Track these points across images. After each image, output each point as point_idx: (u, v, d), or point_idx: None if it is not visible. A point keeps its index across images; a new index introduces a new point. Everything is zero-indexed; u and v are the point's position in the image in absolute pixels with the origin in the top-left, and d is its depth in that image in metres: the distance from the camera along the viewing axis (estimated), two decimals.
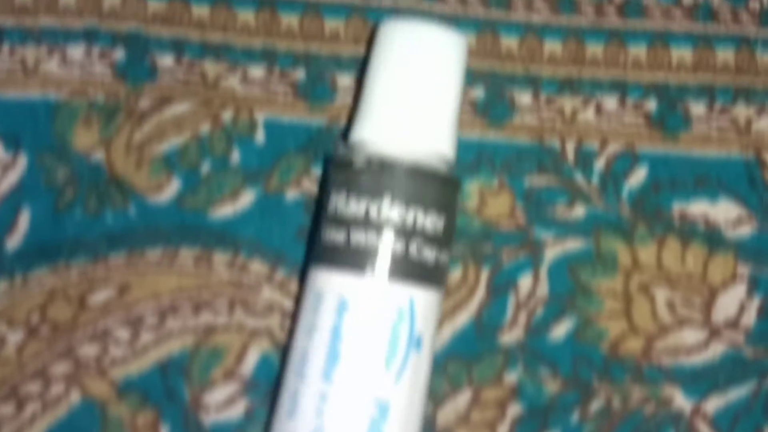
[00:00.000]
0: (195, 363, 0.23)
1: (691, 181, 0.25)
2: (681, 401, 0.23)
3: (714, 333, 0.24)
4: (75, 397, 0.22)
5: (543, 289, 0.24)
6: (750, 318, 0.24)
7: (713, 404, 0.24)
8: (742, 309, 0.24)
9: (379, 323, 0.19)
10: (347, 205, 0.20)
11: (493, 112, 0.25)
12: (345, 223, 0.20)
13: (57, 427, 0.22)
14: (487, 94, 0.25)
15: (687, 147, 0.25)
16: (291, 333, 0.22)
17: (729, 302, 0.24)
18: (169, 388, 0.22)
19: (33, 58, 0.23)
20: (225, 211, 0.23)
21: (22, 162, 0.23)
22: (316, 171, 0.24)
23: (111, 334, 0.22)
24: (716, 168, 0.25)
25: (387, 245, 0.19)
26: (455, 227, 0.21)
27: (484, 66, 0.25)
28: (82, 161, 0.23)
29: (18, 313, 0.22)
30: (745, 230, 0.24)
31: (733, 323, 0.24)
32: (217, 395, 0.22)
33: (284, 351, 0.23)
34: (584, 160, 0.24)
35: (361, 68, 0.23)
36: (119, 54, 0.24)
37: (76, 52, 0.24)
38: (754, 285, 0.24)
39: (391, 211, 0.19)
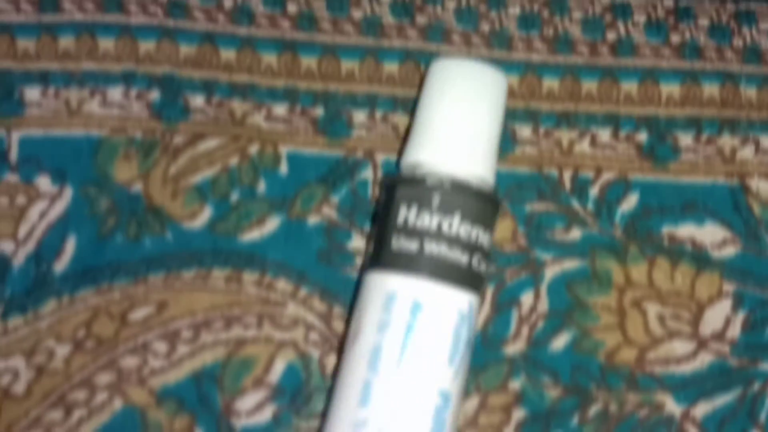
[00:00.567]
0: (227, 372, 0.28)
1: (679, 206, 0.30)
2: (672, 406, 0.29)
3: (702, 344, 0.30)
4: (117, 404, 0.28)
5: (543, 305, 0.30)
6: (735, 331, 0.30)
7: (701, 409, 0.29)
8: (727, 323, 0.30)
9: (447, 324, 0.25)
10: (419, 218, 0.25)
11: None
12: (417, 234, 0.25)
13: (101, 431, 0.27)
14: None
15: (675, 175, 0.31)
16: (353, 329, 0.26)
17: (715, 316, 0.30)
18: (203, 396, 0.28)
19: (76, 100, 0.30)
20: (253, 235, 0.29)
21: (68, 194, 0.29)
22: (335, 199, 0.30)
23: (150, 347, 0.28)
24: (703, 194, 0.31)
25: (457, 256, 0.25)
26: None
27: None
28: (122, 192, 0.29)
29: (65, 329, 0.28)
30: (730, 251, 0.31)
31: (720, 336, 0.30)
32: (247, 401, 0.28)
33: (341, 346, 0.28)
34: (580, 187, 0.31)
35: (416, 99, 0.28)
36: (155, 95, 0.30)
37: (116, 93, 0.30)
38: (738, 301, 0.30)
39: (460, 227, 0.25)
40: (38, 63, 0.30)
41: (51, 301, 0.28)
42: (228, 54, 0.31)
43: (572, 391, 0.29)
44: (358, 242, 0.30)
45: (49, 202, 0.29)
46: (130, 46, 0.31)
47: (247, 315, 0.29)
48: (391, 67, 0.31)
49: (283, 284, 0.29)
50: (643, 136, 0.32)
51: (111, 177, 0.30)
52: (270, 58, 0.31)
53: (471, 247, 0.26)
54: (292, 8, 0.31)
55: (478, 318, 0.27)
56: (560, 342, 0.30)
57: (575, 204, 0.31)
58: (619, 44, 0.32)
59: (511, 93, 0.31)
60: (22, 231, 0.29)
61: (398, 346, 0.25)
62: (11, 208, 0.29)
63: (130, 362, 0.28)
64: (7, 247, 0.29)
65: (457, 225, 0.25)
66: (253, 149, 0.30)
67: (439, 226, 0.25)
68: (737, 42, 0.33)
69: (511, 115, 0.31)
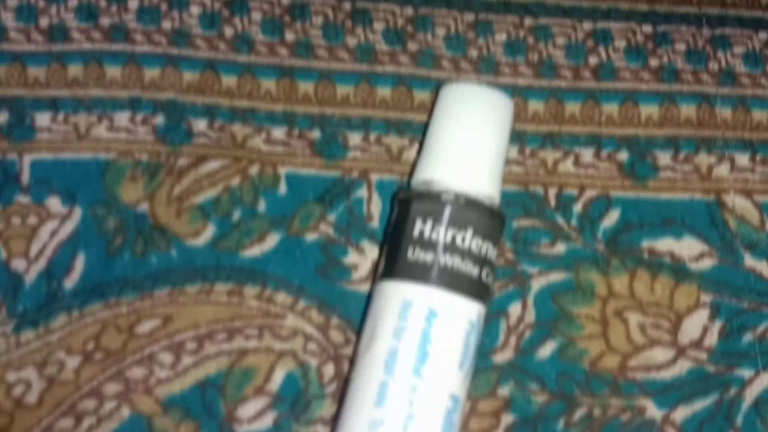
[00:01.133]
0: (229, 382, 0.30)
1: (659, 222, 0.33)
2: (653, 411, 0.31)
3: (681, 352, 0.32)
4: (125, 412, 0.30)
5: (530, 315, 0.32)
6: (712, 339, 0.32)
7: (681, 413, 0.31)
8: (705, 331, 0.32)
9: (458, 331, 0.27)
10: (433, 231, 0.27)
11: None
12: (432, 246, 0.27)
13: None
14: None
15: (655, 192, 0.33)
16: (367, 335, 0.28)
17: (693, 325, 0.32)
18: (207, 404, 0.30)
19: (85, 125, 0.32)
20: (254, 251, 0.31)
21: (77, 214, 0.31)
22: (332, 216, 0.32)
23: (156, 358, 0.30)
24: (681, 209, 0.33)
25: (468, 268, 0.28)
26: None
27: None
28: (129, 212, 0.31)
29: (75, 342, 0.30)
30: (707, 263, 0.33)
31: (698, 344, 0.32)
32: (248, 409, 0.30)
33: (354, 351, 0.29)
34: (564, 204, 0.33)
35: (427, 121, 0.31)
36: (160, 119, 0.32)
37: (122, 118, 0.32)
38: (715, 311, 0.32)
39: (472, 241, 0.28)
40: (48, 90, 0.32)
41: (61, 315, 0.30)
42: (229, 80, 0.33)
43: (558, 397, 0.31)
44: (353, 257, 0.32)
45: (60, 221, 0.31)
46: (136, 74, 0.33)
47: (248, 327, 0.31)
48: (384, 91, 0.34)
49: (282, 297, 0.31)
50: (623, 156, 0.34)
51: (118, 197, 0.32)
52: (269, 84, 0.33)
53: (481, 261, 0.28)
54: (289, 36, 0.34)
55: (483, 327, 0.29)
56: (546, 350, 0.32)
57: (560, 220, 0.33)
58: (601, 68, 0.35)
59: None
60: (34, 249, 0.31)
61: (414, 351, 0.27)
62: (23, 227, 0.31)
63: (137, 373, 0.30)
64: (20, 264, 0.31)
65: (469, 239, 0.28)
66: (254, 170, 0.32)
67: (453, 239, 0.28)
68: (713, 65, 0.35)
69: None
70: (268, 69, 0.33)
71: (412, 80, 0.34)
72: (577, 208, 0.33)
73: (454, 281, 0.27)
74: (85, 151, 0.32)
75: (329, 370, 0.31)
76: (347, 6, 0.34)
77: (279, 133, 0.33)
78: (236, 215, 0.32)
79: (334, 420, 0.30)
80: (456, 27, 0.34)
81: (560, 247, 0.33)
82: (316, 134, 0.33)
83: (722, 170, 0.34)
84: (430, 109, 0.31)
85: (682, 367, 0.32)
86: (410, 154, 0.33)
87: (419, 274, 0.27)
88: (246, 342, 0.31)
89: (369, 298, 0.30)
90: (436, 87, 0.32)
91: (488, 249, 0.28)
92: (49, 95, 0.32)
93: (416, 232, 0.28)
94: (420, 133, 0.33)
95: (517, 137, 0.33)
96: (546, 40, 0.35)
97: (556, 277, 0.32)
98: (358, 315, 0.31)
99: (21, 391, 0.30)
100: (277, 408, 0.30)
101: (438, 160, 0.29)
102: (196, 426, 0.30)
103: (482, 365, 0.31)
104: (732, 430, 0.31)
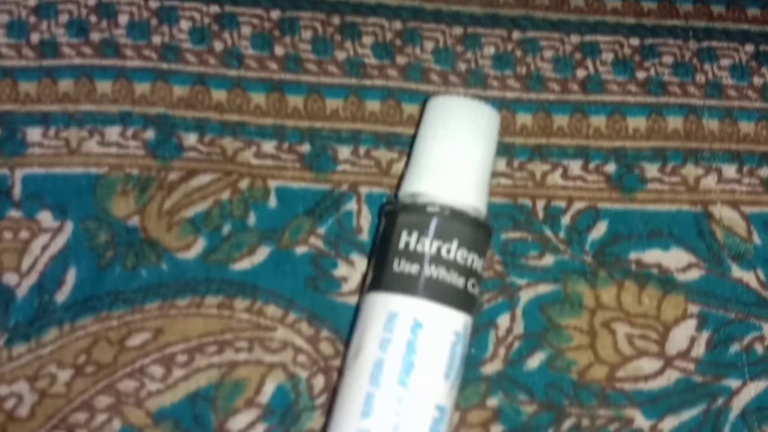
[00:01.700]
0: (220, 394, 0.31)
1: (646, 233, 0.33)
2: (641, 421, 0.32)
3: (668, 362, 0.32)
4: (116, 424, 0.30)
5: (519, 326, 0.32)
6: (699, 349, 0.33)
7: (669, 424, 0.32)
8: (692, 342, 0.33)
9: (444, 342, 0.27)
10: (419, 243, 0.28)
11: None
12: (417, 258, 0.28)
13: None
14: None
15: (642, 203, 0.34)
16: (354, 346, 0.28)
17: (681, 336, 0.33)
18: (198, 416, 0.30)
19: (76, 139, 0.32)
20: (244, 264, 0.32)
21: (69, 228, 0.32)
22: (321, 229, 0.32)
23: (147, 371, 0.31)
24: (668, 221, 0.34)
25: (454, 280, 0.28)
26: None
27: None
28: (120, 226, 0.32)
29: (67, 355, 0.30)
30: (694, 274, 0.34)
31: (685, 354, 0.33)
32: (239, 421, 0.31)
33: (342, 363, 0.30)
34: (552, 216, 0.34)
35: (414, 133, 0.32)
36: (150, 134, 0.33)
37: (113, 133, 0.32)
38: (702, 321, 0.33)
39: (457, 252, 0.28)
40: (39, 105, 0.33)
41: (53, 329, 0.31)
42: (219, 95, 0.34)
43: (547, 408, 0.32)
44: (343, 270, 0.33)
45: (51, 236, 0.32)
46: (127, 88, 0.34)
47: (238, 339, 0.32)
48: (373, 105, 0.35)
49: (272, 310, 0.32)
50: (611, 168, 0.35)
51: (109, 212, 0.32)
52: (259, 98, 0.34)
53: (467, 272, 0.29)
54: (279, 51, 0.35)
55: (470, 338, 0.30)
56: (535, 361, 0.33)
57: (548, 232, 0.34)
58: (588, 81, 0.36)
59: None
60: (26, 263, 0.32)
61: (399, 362, 0.28)
62: (15, 242, 0.32)
63: (128, 385, 0.31)
64: (11, 279, 0.32)
65: (455, 250, 0.29)
66: (244, 184, 0.33)
67: (438, 251, 0.29)
68: (699, 78, 0.36)
69: None
70: (257, 83, 0.34)
71: (401, 93, 0.35)
72: (565, 220, 0.34)
73: (439, 292, 0.28)
74: (76, 166, 0.32)
75: (319, 382, 0.32)
76: (336, 20, 0.35)
77: (269, 146, 0.34)
78: (226, 229, 0.33)
79: (323, 431, 0.30)
80: (444, 41, 0.35)
81: (548, 259, 0.33)
82: (305, 148, 0.34)
83: (709, 182, 0.35)
84: (418, 121, 0.32)
85: (670, 377, 0.33)
86: (399, 167, 0.34)
87: (405, 285, 0.28)
88: (236, 354, 0.32)
89: (357, 309, 0.31)
90: (425, 100, 0.33)
91: (474, 260, 0.29)
92: (41, 110, 0.33)
93: (402, 244, 0.29)
94: (409, 146, 0.33)
95: (505, 150, 0.34)
96: (534, 54, 0.36)
97: (545, 288, 0.33)
98: (347, 327, 0.32)
99: (12, 405, 0.31)
100: (267, 420, 0.31)
101: (424, 173, 0.30)
102: None
103: (471, 376, 0.32)
104: None
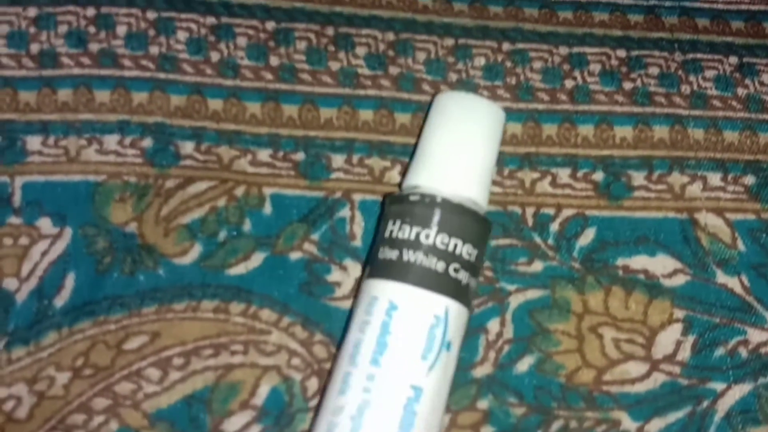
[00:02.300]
0: (215, 396, 0.32)
1: (633, 240, 0.35)
2: (628, 423, 0.33)
3: (654, 366, 0.33)
4: (114, 426, 0.31)
5: (508, 331, 0.33)
6: (685, 353, 0.34)
7: (655, 426, 0.33)
8: (678, 346, 0.34)
9: (421, 323, 0.28)
10: (401, 230, 0.29)
11: None
12: (398, 244, 0.29)
13: None
14: None
15: (629, 211, 0.35)
16: (343, 334, 0.30)
17: (667, 340, 0.34)
18: (194, 418, 0.31)
19: (75, 148, 0.33)
20: (239, 270, 0.33)
21: (68, 234, 0.33)
22: (315, 236, 0.33)
23: (144, 373, 0.32)
24: (655, 228, 0.35)
25: (432, 264, 0.29)
26: (483, 260, 0.31)
27: None
28: (118, 232, 0.33)
29: (65, 358, 0.31)
30: (680, 280, 0.35)
31: (671, 358, 0.34)
32: (234, 423, 0.32)
33: (337, 351, 0.31)
34: (541, 224, 0.35)
35: (420, 129, 0.33)
36: (147, 142, 0.34)
37: (111, 141, 0.34)
38: (688, 326, 0.34)
39: (436, 237, 0.29)
40: (39, 114, 0.34)
41: (52, 333, 0.32)
42: (215, 104, 0.35)
43: (536, 410, 0.33)
44: (336, 275, 0.34)
45: (51, 242, 0.33)
46: (125, 98, 0.35)
47: (234, 343, 0.33)
48: (366, 114, 0.36)
49: (267, 314, 0.33)
50: (599, 176, 0.36)
51: (107, 218, 0.34)
52: (254, 108, 0.35)
53: (448, 256, 0.30)
54: (274, 61, 0.36)
55: (463, 326, 0.31)
56: (524, 365, 0.34)
57: (537, 239, 0.35)
58: (577, 91, 0.37)
59: None
60: (25, 269, 0.33)
61: (374, 342, 0.29)
62: (15, 248, 0.33)
63: (125, 388, 0.32)
64: (11, 284, 0.33)
65: (433, 236, 0.30)
66: (240, 191, 0.34)
67: (417, 237, 0.30)
68: (685, 88, 0.38)
69: None
70: (253, 93, 0.35)
71: (393, 103, 0.36)
72: (554, 227, 0.35)
73: (416, 276, 0.29)
74: (75, 174, 0.34)
75: (313, 384, 0.33)
76: (330, 31, 0.36)
77: (264, 155, 0.35)
78: (222, 235, 0.34)
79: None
80: (436, 51, 0.37)
81: (537, 266, 0.35)
82: (300, 156, 0.35)
83: (695, 189, 0.36)
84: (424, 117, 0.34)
85: (656, 380, 0.34)
86: (392, 175, 0.35)
87: (385, 271, 0.30)
88: (231, 357, 0.33)
89: None
90: (416, 110, 0.34)
91: (458, 245, 0.30)
92: (40, 119, 0.34)
93: (387, 233, 0.30)
94: (402, 154, 0.35)
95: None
96: (523, 65, 0.37)
97: (534, 294, 0.34)
98: (340, 331, 0.33)
99: (12, 407, 0.32)
100: (262, 422, 0.32)
101: (419, 166, 0.31)
102: None
103: (462, 379, 0.33)
104: None
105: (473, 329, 0.34)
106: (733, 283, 0.35)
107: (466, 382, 0.33)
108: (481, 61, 0.36)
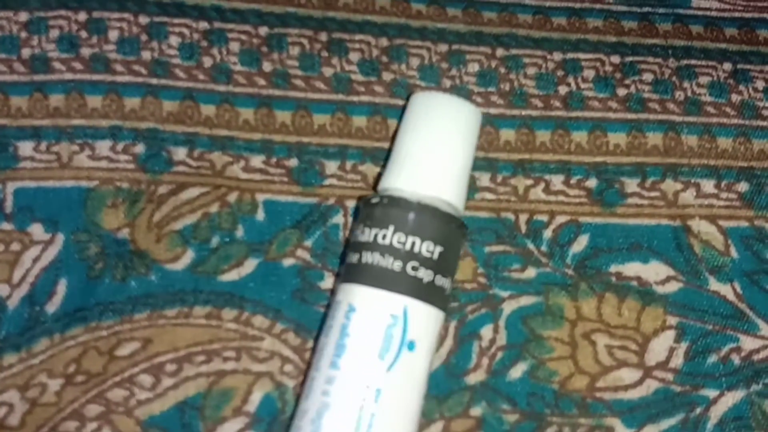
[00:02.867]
0: (208, 403, 0.32)
1: (626, 247, 0.35)
2: (621, 430, 0.33)
3: (647, 373, 0.34)
4: None
5: (502, 337, 0.34)
6: (678, 360, 0.34)
7: None
8: (671, 352, 0.34)
9: (377, 324, 0.29)
10: (362, 233, 0.30)
11: None
12: (359, 247, 0.30)
13: None
14: None
15: (622, 218, 0.36)
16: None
17: (660, 347, 0.34)
18: (187, 425, 0.32)
19: (67, 153, 0.34)
20: (232, 276, 0.33)
21: (60, 240, 0.33)
22: (308, 242, 0.34)
23: (136, 380, 0.32)
24: (648, 235, 0.35)
25: (389, 264, 0.29)
26: (456, 259, 0.31)
27: None
28: (110, 238, 0.33)
29: (57, 365, 0.32)
30: (673, 287, 0.35)
31: (664, 364, 0.34)
32: (227, 429, 0.32)
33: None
34: (535, 230, 0.35)
35: (395, 131, 0.33)
36: (140, 148, 0.34)
37: (104, 147, 0.34)
38: (681, 333, 0.35)
39: (393, 237, 0.30)
40: (31, 120, 0.35)
41: (43, 339, 0.33)
42: (208, 110, 0.36)
43: (529, 417, 0.34)
44: (329, 282, 0.34)
45: (42, 248, 0.34)
46: (117, 103, 0.35)
47: (226, 349, 0.33)
48: (359, 120, 0.36)
49: (260, 320, 0.34)
50: (592, 183, 0.37)
51: (99, 224, 0.34)
52: (247, 113, 0.36)
53: (405, 255, 0.30)
54: (267, 66, 0.36)
55: (438, 328, 0.31)
56: (517, 371, 0.34)
57: (530, 245, 0.36)
58: (570, 98, 0.38)
59: None
60: (17, 275, 0.33)
61: (333, 346, 0.30)
62: (6, 254, 0.33)
63: (117, 394, 0.32)
64: (3, 290, 0.33)
65: (390, 236, 0.30)
66: (232, 197, 0.35)
67: (375, 238, 0.30)
68: (678, 95, 0.38)
69: (472, 165, 0.36)
70: (246, 98, 0.36)
71: (387, 109, 0.36)
72: (547, 234, 0.36)
73: (373, 277, 0.30)
74: (67, 180, 0.34)
75: None
76: (323, 37, 0.37)
77: (257, 161, 0.35)
78: (215, 241, 0.34)
79: None
80: (430, 57, 0.37)
81: (530, 272, 0.35)
82: (293, 162, 0.35)
83: (688, 196, 0.37)
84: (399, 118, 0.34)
85: (649, 387, 0.34)
86: None
87: (348, 275, 0.30)
88: (224, 364, 0.33)
89: None
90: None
91: (415, 243, 0.30)
92: (32, 125, 0.35)
93: (353, 238, 0.31)
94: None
95: (488, 165, 0.36)
96: (517, 71, 0.38)
97: (527, 300, 0.35)
98: None
99: (3, 414, 0.32)
100: (254, 428, 0.33)
101: (392, 170, 0.32)
102: None
103: (455, 386, 0.34)
104: None
105: (466, 336, 0.34)
106: (726, 290, 0.36)
107: (460, 389, 0.34)
108: (474, 67, 0.37)
